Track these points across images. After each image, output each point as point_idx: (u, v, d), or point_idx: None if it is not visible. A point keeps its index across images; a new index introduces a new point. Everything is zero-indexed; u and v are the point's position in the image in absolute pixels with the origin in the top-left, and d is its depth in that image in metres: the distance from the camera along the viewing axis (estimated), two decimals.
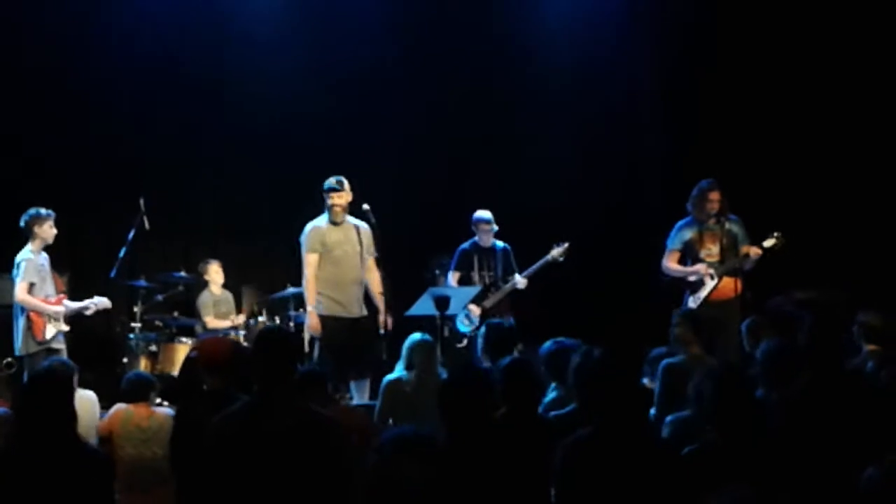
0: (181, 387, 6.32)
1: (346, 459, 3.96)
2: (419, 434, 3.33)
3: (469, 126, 10.33)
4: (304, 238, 8.01)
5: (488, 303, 8.61)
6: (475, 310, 8.58)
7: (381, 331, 7.92)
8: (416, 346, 6.30)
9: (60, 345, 7.66)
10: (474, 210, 8.80)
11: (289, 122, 10.14)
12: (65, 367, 5.94)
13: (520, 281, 8.58)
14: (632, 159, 10.63)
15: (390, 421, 6.21)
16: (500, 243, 8.76)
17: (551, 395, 5.45)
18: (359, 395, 7.83)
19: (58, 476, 3.83)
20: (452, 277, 8.74)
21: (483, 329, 6.46)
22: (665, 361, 5.85)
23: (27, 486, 3.80)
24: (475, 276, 8.66)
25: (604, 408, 3.72)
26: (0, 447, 4.11)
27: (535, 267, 8.61)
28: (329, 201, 7.96)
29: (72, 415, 4.02)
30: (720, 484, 3.52)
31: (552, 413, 5.01)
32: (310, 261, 7.94)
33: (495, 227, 8.68)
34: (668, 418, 4.87)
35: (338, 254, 7.95)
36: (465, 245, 8.76)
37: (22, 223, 7.67)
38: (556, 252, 8.57)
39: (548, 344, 5.65)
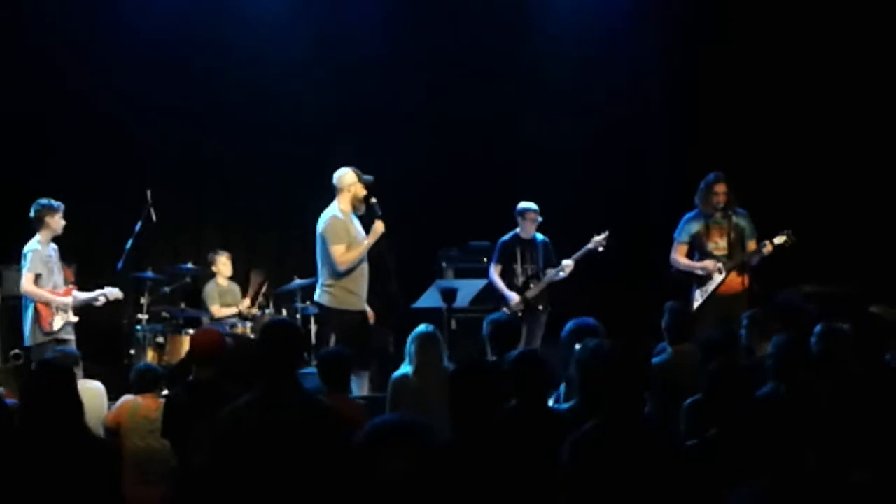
0: (174, 377, 6.32)
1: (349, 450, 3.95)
2: (407, 422, 3.08)
3: (475, 118, 10.31)
4: (329, 230, 7.57)
5: (531, 293, 8.43)
6: (569, 264, 8.35)
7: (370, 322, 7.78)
8: (417, 340, 6.03)
9: (69, 335, 7.63)
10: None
11: (296, 114, 10.15)
12: (67, 358, 5.99)
13: (566, 265, 8.38)
14: (638, 152, 10.60)
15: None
16: (539, 235, 8.58)
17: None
18: (358, 387, 7.78)
19: (62, 465, 3.83)
20: (494, 270, 8.52)
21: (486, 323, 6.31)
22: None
23: (31, 476, 3.80)
24: (518, 268, 8.47)
25: (609, 402, 3.68)
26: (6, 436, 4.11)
27: (578, 254, 8.43)
28: (362, 192, 7.64)
29: (76, 404, 4.02)
30: (723, 479, 3.52)
31: (552, 405, 4.97)
32: (339, 250, 7.53)
33: (540, 218, 8.51)
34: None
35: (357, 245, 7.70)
36: (506, 237, 8.57)
37: (32, 213, 7.63)
38: (598, 239, 8.40)
39: (569, 325, 5.61)
